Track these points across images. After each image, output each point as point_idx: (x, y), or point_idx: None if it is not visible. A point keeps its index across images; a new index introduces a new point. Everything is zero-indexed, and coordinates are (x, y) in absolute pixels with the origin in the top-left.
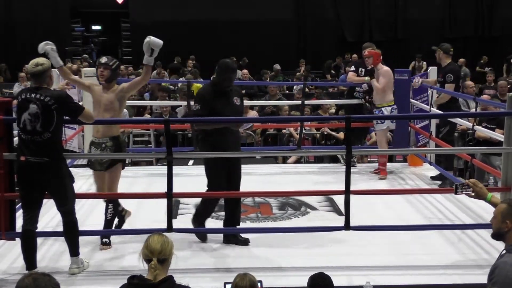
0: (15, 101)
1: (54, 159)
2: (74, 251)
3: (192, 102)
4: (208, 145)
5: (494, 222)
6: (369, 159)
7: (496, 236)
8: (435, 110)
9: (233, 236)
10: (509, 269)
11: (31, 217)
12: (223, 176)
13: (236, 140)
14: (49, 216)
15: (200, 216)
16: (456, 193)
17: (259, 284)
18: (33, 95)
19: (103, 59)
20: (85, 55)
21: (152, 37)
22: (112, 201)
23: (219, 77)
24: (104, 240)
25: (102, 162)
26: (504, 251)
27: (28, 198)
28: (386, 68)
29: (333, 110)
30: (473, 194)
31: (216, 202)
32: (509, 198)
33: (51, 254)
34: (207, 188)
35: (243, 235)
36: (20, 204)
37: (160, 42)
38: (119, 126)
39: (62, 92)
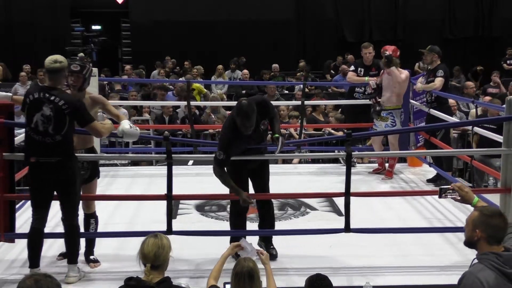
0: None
1: (64, 160)
2: (72, 258)
3: (191, 102)
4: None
5: (466, 230)
6: (369, 160)
7: (467, 244)
8: (433, 111)
9: (265, 246)
10: (474, 279)
11: (41, 217)
12: (246, 183)
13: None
14: (50, 216)
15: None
16: (440, 196)
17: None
18: (47, 95)
19: (76, 67)
20: (84, 54)
21: (126, 127)
22: (93, 216)
23: (237, 120)
24: (92, 257)
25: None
26: (475, 260)
27: (38, 198)
28: (406, 72)
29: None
30: (458, 198)
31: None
32: (483, 206)
33: (51, 254)
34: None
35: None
36: (20, 204)
37: (137, 133)
38: (92, 137)
39: (76, 98)
